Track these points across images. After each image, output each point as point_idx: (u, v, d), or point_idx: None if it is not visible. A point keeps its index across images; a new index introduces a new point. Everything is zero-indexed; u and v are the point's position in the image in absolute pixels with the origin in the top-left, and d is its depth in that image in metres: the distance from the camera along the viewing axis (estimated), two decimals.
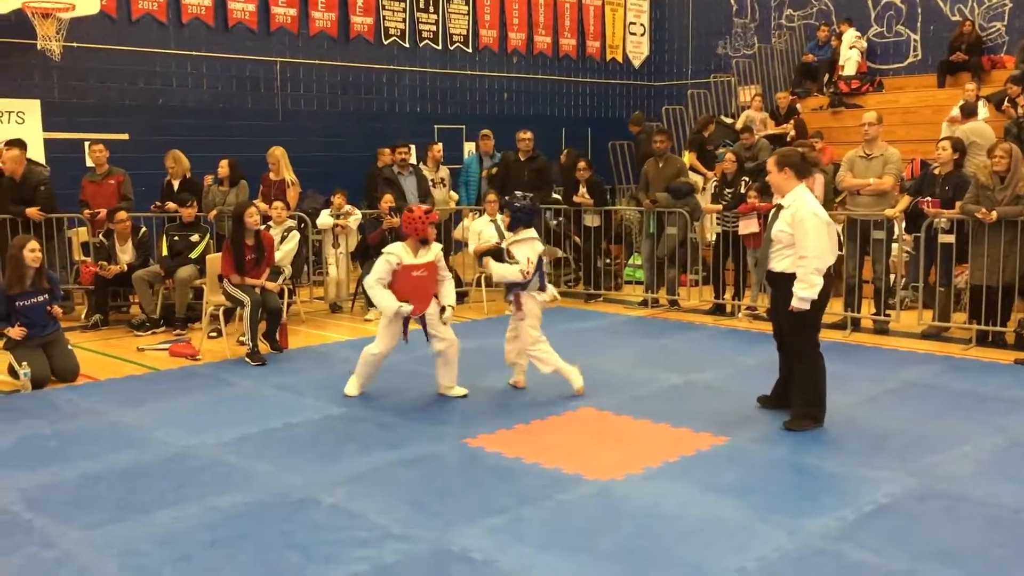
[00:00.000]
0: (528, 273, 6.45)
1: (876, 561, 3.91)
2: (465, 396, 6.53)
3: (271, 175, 10.45)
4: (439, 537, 4.19)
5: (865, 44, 15.42)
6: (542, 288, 6.62)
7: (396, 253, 6.42)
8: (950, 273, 8.40)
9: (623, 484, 4.85)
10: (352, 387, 6.65)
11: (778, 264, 5.72)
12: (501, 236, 10.43)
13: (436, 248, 6.57)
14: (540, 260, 6.57)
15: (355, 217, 10.40)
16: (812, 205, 5.61)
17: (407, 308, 6.35)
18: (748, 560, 3.92)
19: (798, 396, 5.81)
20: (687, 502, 4.59)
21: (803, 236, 5.50)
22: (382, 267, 6.41)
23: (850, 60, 15.14)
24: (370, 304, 9.88)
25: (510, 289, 6.64)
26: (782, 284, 5.71)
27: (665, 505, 4.57)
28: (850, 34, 15.20)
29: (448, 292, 6.61)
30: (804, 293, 5.53)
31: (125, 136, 12.05)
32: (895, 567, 3.85)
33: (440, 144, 12.31)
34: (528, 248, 6.51)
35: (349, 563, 3.94)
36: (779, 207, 5.72)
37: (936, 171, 8.58)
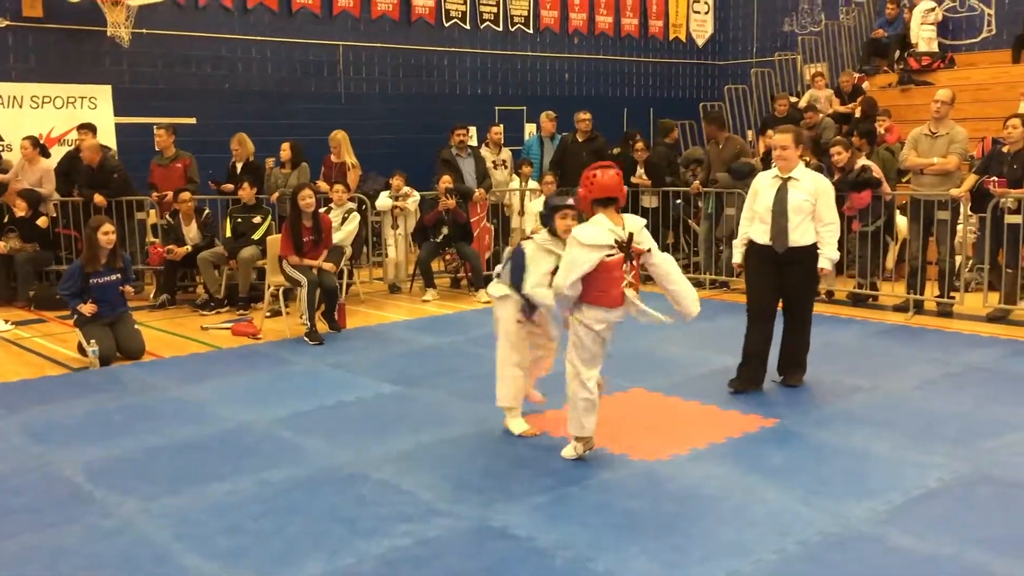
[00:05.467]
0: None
1: (920, 546, 3.86)
2: None
3: (332, 158, 10.62)
4: (482, 514, 4.26)
5: (940, 16, 14.93)
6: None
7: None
8: (1017, 254, 8.17)
9: (669, 465, 4.86)
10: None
11: (803, 237, 5.94)
12: None
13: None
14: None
15: (413, 199, 10.52)
16: (827, 181, 6.17)
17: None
18: (789, 543, 3.91)
19: (803, 356, 6.27)
20: (731, 484, 4.58)
21: (828, 203, 5.94)
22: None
23: (924, 37, 14.69)
24: (428, 285, 10.02)
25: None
26: (805, 257, 5.99)
27: (709, 486, 4.57)
28: (922, 7, 14.74)
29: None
30: (836, 255, 6.03)
31: (193, 120, 12.38)
32: (939, 552, 3.80)
33: (501, 126, 12.32)
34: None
35: (393, 536, 4.03)
36: (787, 179, 5.96)
37: (1005, 149, 8.33)
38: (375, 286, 10.81)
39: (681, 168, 11.76)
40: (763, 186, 6.05)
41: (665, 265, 4.83)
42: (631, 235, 4.62)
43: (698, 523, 4.15)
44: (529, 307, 5.31)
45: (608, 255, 4.57)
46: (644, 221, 4.85)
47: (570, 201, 5.19)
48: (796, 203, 5.88)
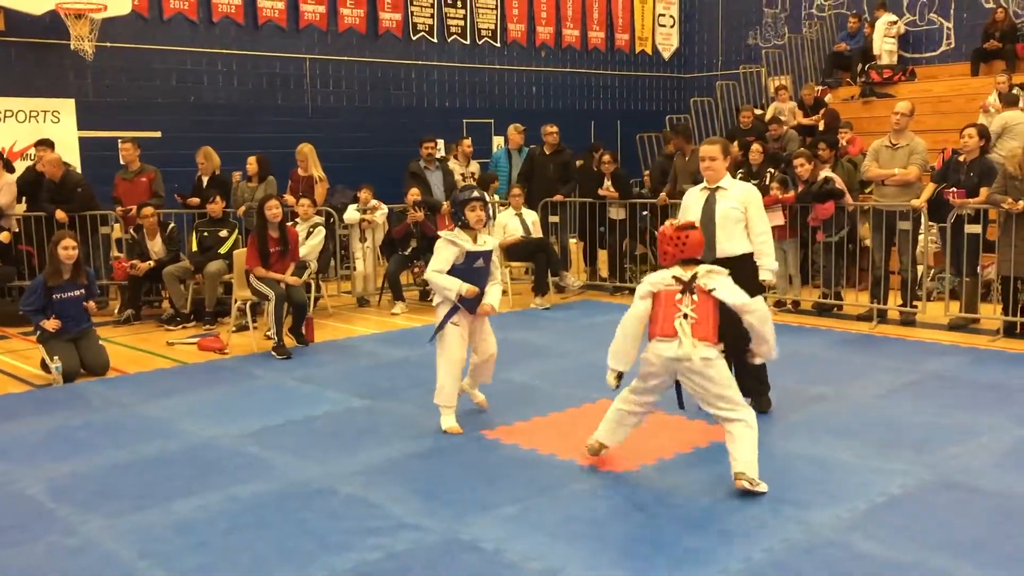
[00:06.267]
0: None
1: (885, 552, 3.91)
2: None
3: (299, 171, 10.58)
4: (451, 527, 4.26)
5: (902, 29, 15.22)
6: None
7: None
8: (976, 263, 8.31)
9: (636, 475, 4.89)
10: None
11: (732, 246, 5.77)
12: (526, 230, 10.53)
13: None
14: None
15: (381, 212, 10.52)
16: (755, 189, 6.04)
17: None
18: (756, 551, 3.94)
19: (757, 377, 5.91)
20: (699, 493, 4.62)
21: (757, 211, 5.81)
22: None
23: (885, 49, 14.96)
24: (397, 298, 10.01)
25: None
26: (737, 266, 5.61)
27: (676, 496, 4.60)
28: (884, 20, 15.01)
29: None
30: (774, 265, 5.88)
31: (158, 133, 12.30)
32: (903, 558, 3.85)
33: (469, 139, 12.35)
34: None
35: (361, 551, 4.02)
36: (715, 189, 5.85)
37: (961, 158, 8.48)
38: (343, 299, 10.77)
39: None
40: (692, 200, 5.94)
41: (746, 315, 4.76)
42: (694, 275, 4.71)
43: (666, 532, 4.18)
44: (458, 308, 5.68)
45: (666, 286, 4.72)
46: (725, 272, 4.85)
47: (476, 194, 5.77)
48: (724, 211, 5.77)
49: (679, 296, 4.65)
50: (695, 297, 4.64)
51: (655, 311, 4.70)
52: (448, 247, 5.66)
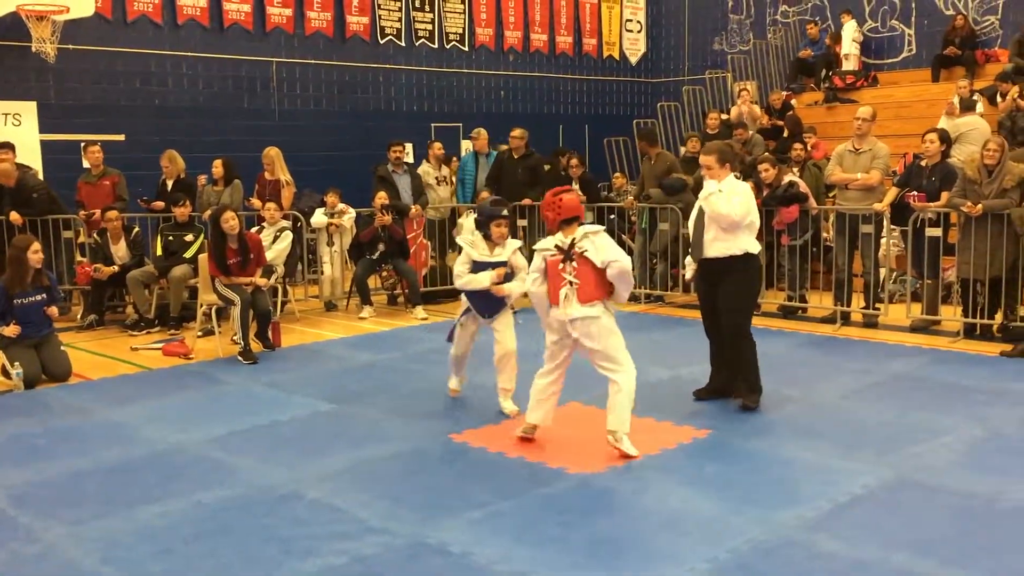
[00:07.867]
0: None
1: (847, 551, 3.96)
2: None
3: (266, 175, 10.51)
4: (418, 530, 4.25)
5: (861, 37, 15.45)
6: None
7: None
8: (937, 266, 8.43)
9: (604, 477, 4.90)
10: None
11: (714, 249, 5.96)
12: None
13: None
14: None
15: (349, 216, 10.48)
16: (747, 187, 6.11)
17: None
18: (720, 551, 3.97)
19: (746, 375, 6.13)
20: (665, 495, 4.64)
21: (732, 197, 5.85)
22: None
23: (853, 54, 15.15)
24: (365, 302, 9.98)
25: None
26: (720, 269, 5.96)
27: (643, 498, 4.62)
28: (850, 26, 15.20)
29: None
30: (691, 262, 6.20)
31: (121, 137, 12.16)
32: (866, 557, 3.90)
33: (440, 143, 12.31)
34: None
35: (327, 556, 4.00)
36: (711, 193, 5.96)
37: (923, 163, 8.60)
38: (311, 304, 10.71)
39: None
40: (700, 200, 6.12)
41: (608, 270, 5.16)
42: (573, 241, 5.18)
43: (633, 534, 4.20)
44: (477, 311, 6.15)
45: (551, 256, 5.25)
46: (600, 229, 5.28)
47: (505, 212, 6.13)
48: (712, 211, 5.92)
49: (562, 265, 5.17)
50: (575, 264, 5.15)
51: (548, 282, 5.27)
52: (464, 254, 6.10)
